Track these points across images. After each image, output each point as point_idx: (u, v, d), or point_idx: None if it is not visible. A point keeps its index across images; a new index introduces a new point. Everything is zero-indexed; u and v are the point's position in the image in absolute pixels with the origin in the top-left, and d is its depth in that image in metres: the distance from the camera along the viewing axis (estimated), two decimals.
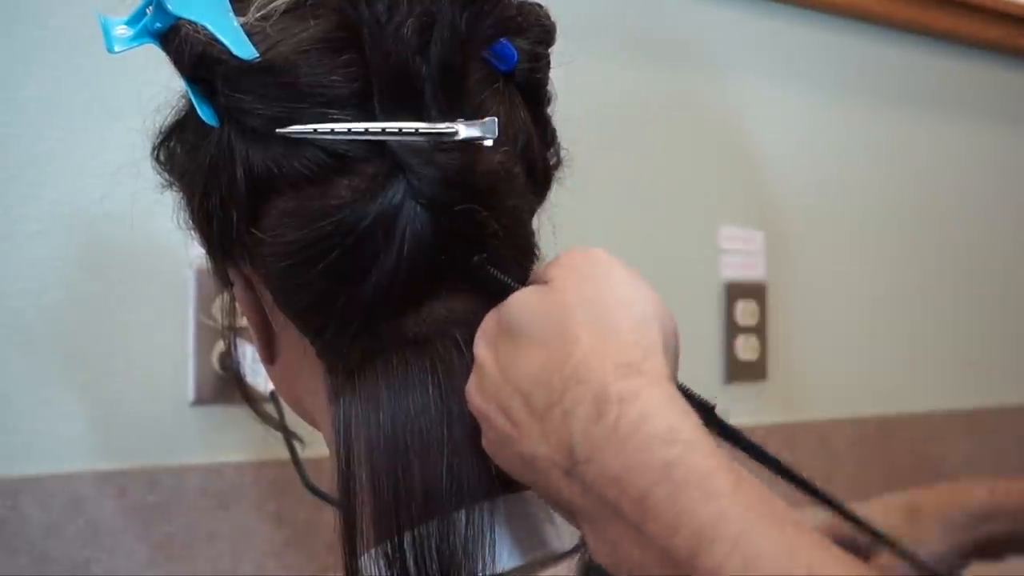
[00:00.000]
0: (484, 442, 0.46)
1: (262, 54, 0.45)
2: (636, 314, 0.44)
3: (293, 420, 0.83)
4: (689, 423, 0.40)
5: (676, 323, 0.46)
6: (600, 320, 0.43)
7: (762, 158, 1.28)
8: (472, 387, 0.46)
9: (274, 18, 0.46)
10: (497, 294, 0.47)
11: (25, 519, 0.83)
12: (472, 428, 0.47)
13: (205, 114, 0.46)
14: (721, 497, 0.37)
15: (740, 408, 1.24)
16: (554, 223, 0.55)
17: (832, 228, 1.33)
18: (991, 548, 0.79)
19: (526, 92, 0.51)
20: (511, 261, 0.49)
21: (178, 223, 0.53)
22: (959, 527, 0.78)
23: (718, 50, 1.26)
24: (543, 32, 0.51)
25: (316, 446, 0.68)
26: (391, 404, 0.47)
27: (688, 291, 1.21)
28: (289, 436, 0.87)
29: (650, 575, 0.39)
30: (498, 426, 0.44)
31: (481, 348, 0.46)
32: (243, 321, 0.55)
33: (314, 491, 0.88)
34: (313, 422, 0.54)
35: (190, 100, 0.47)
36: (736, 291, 1.22)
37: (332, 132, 0.44)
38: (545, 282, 0.45)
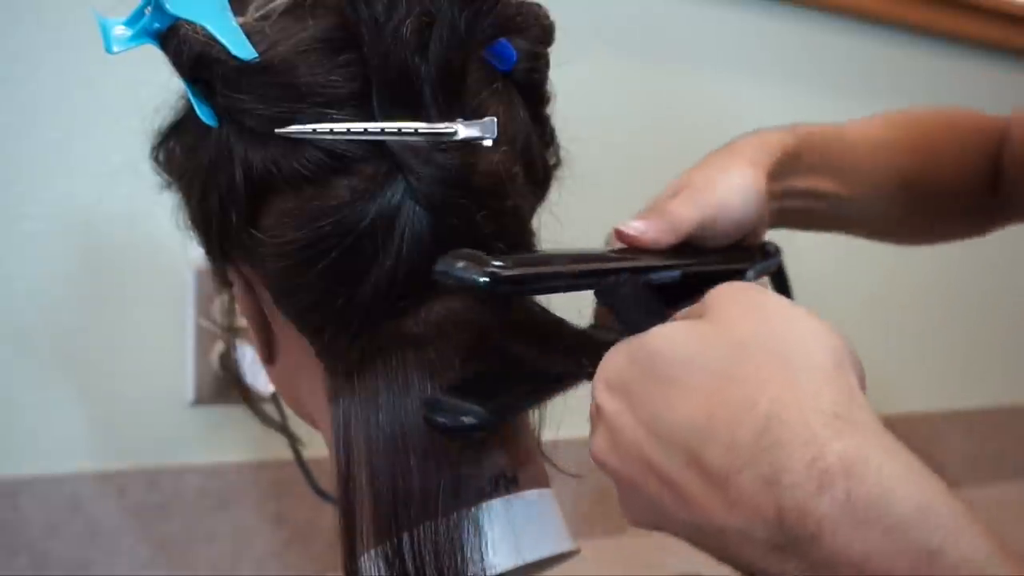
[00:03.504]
0: (625, 507, 0.41)
1: (261, 54, 0.45)
2: (825, 350, 0.37)
3: (293, 421, 0.83)
4: (938, 495, 0.33)
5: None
6: (784, 358, 0.36)
7: None
8: (603, 445, 0.40)
9: (273, 18, 0.46)
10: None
11: (25, 519, 0.83)
12: None
13: (204, 114, 0.46)
14: None
15: None
16: (557, 222, 0.55)
17: None
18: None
19: (525, 92, 0.51)
20: None
21: (177, 223, 0.53)
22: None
23: (719, 50, 1.26)
24: (542, 32, 0.51)
25: (316, 447, 0.69)
26: (390, 405, 0.47)
27: None
28: (291, 438, 0.88)
29: None
30: (650, 491, 0.38)
31: (605, 397, 0.40)
32: (242, 321, 0.55)
33: (322, 494, 0.88)
34: (313, 423, 0.54)
35: (189, 100, 0.47)
36: None
37: (331, 132, 0.44)
38: (698, 317, 0.40)
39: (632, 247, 0.52)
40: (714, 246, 0.58)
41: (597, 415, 0.40)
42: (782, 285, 0.69)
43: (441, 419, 0.45)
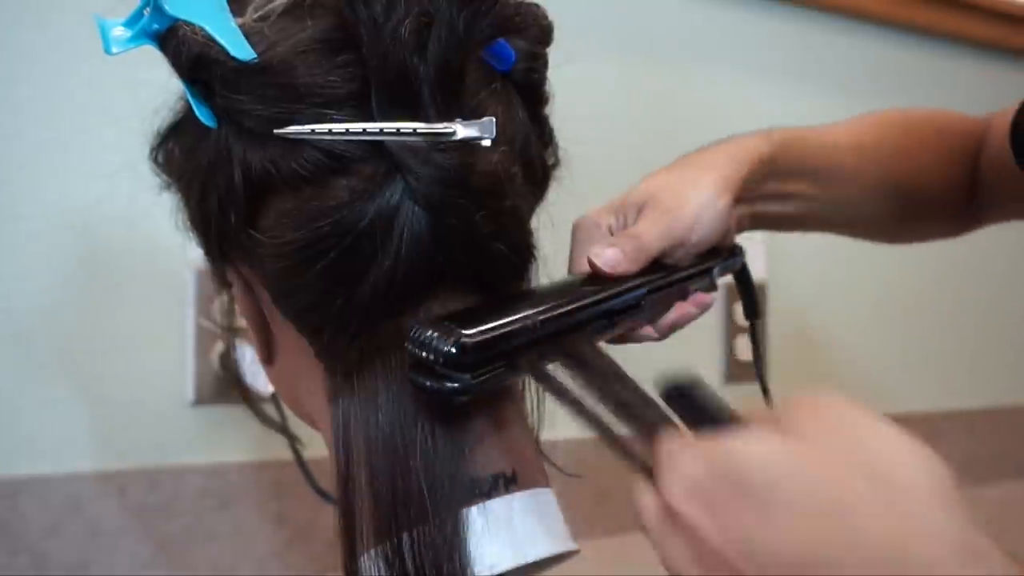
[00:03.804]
0: None
1: (260, 55, 0.45)
2: (930, 474, 0.35)
3: (293, 421, 0.83)
4: None
5: None
6: (890, 483, 0.34)
7: None
8: (684, 555, 0.37)
9: (272, 19, 0.46)
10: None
11: (25, 519, 0.83)
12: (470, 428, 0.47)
13: (203, 115, 0.46)
14: None
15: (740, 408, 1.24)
16: (554, 223, 0.55)
17: None
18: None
19: (524, 92, 0.51)
20: (509, 261, 0.49)
21: (177, 224, 0.53)
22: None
23: (718, 50, 1.26)
24: (541, 32, 0.51)
25: (316, 447, 0.69)
26: (390, 405, 0.47)
27: None
28: (291, 439, 0.88)
29: None
30: None
31: (686, 505, 0.37)
32: (242, 322, 0.55)
33: (322, 494, 0.88)
34: (312, 423, 0.54)
35: (188, 101, 0.47)
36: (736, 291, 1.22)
37: (330, 132, 0.44)
38: (775, 429, 0.37)
39: (599, 273, 0.55)
40: (677, 262, 0.60)
41: (671, 521, 0.37)
42: (746, 284, 0.70)
43: (426, 382, 0.45)
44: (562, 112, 0.55)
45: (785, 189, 0.69)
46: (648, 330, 0.60)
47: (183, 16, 0.45)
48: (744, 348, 1.23)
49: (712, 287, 0.64)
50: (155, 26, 0.46)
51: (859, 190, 0.74)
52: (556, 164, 0.55)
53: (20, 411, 0.85)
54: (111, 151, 0.86)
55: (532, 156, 0.51)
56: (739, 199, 0.63)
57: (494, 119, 0.44)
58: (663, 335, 0.61)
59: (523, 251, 0.50)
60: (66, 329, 0.87)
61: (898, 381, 1.41)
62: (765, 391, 0.68)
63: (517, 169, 0.49)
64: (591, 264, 0.55)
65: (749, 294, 0.71)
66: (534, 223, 0.52)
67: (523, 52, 0.50)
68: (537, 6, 0.52)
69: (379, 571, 0.46)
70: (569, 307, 0.50)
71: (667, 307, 0.61)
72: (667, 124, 1.21)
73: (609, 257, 0.55)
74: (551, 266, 0.54)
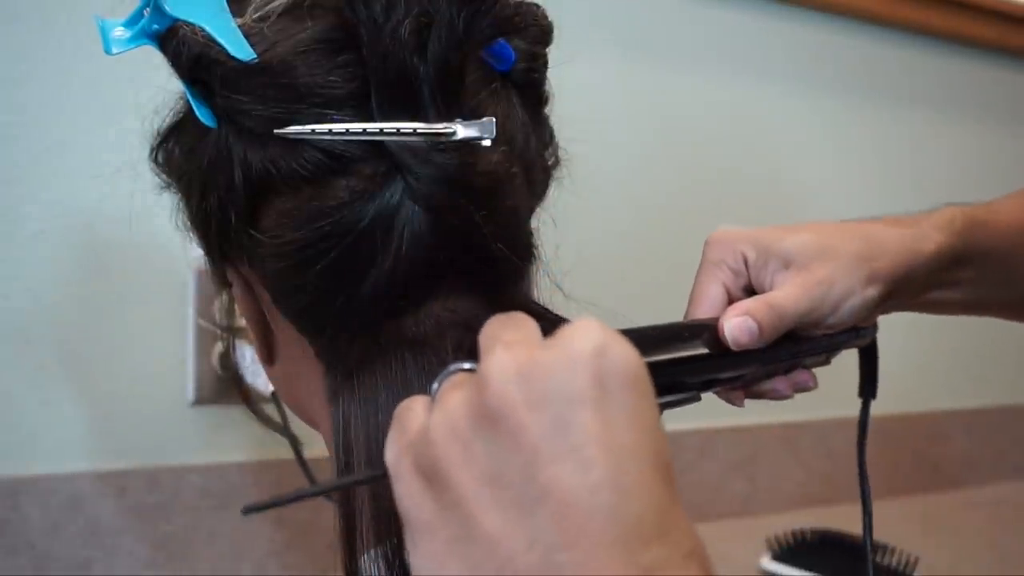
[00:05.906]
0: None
1: (260, 55, 0.45)
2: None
3: (293, 421, 0.83)
4: None
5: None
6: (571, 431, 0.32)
7: (761, 157, 1.28)
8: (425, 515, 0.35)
9: (272, 19, 0.46)
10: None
11: (25, 519, 0.84)
12: None
13: (203, 115, 0.46)
14: None
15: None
16: (554, 223, 0.55)
17: None
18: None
19: (524, 92, 0.51)
20: (509, 261, 0.49)
21: (177, 224, 0.53)
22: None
23: (717, 50, 1.26)
24: (540, 32, 0.51)
25: (314, 446, 0.69)
26: (390, 405, 0.47)
27: (689, 291, 1.20)
28: (292, 439, 0.88)
29: None
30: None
31: (445, 445, 0.34)
32: (242, 322, 0.55)
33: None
34: (312, 423, 0.54)
35: (188, 101, 0.47)
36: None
37: (330, 132, 0.44)
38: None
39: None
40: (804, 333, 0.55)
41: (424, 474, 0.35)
42: (871, 362, 0.64)
43: None
44: (562, 112, 0.55)
45: (957, 276, 0.64)
46: (736, 394, 0.57)
47: (183, 16, 0.45)
48: None
49: (827, 361, 0.60)
50: (155, 26, 0.46)
51: None
52: (556, 164, 0.55)
53: (20, 411, 0.85)
54: (111, 151, 0.86)
55: (532, 156, 0.51)
56: (895, 292, 0.58)
57: (494, 119, 0.45)
58: (747, 397, 0.57)
59: (523, 251, 0.50)
60: (66, 329, 0.87)
61: (898, 381, 1.40)
62: (863, 474, 0.63)
63: (517, 169, 0.49)
64: (732, 340, 0.51)
65: (872, 373, 0.65)
66: (534, 223, 0.52)
67: (523, 52, 0.50)
68: (537, 6, 0.52)
69: (379, 571, 0.46)
70: (669, 356, 0.48)
71: (768, 376, 0.57)
72: (667, 124, 1.21)
73: (740, 333, 0.51)
74: (551, 266, 0.54)
